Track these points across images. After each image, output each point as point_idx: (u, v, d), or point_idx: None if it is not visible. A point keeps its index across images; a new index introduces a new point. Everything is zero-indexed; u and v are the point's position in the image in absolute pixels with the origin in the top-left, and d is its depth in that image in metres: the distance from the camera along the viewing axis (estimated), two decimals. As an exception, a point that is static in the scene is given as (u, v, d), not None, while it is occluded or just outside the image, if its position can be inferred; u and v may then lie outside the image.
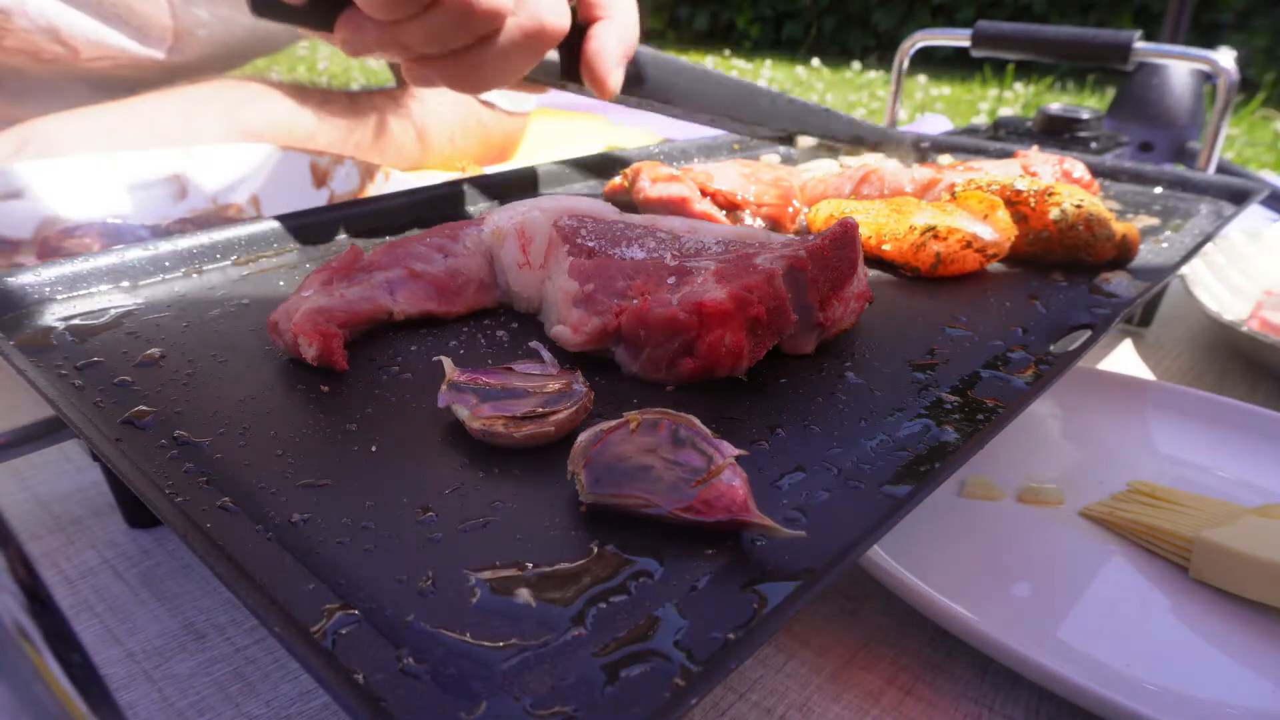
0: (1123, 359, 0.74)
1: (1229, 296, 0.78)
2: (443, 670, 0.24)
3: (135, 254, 0.52)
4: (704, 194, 0.66)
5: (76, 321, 0.47)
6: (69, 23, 0.91)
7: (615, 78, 0.54)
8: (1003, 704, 0.38)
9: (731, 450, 0.32)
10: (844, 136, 0.79)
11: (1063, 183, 0.63)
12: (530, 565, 0.29)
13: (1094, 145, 0.96)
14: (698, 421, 0.33)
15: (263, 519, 0.31)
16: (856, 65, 5.10)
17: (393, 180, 0.81)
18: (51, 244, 0.61)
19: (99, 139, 0.87)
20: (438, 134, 1.13)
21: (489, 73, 0.50)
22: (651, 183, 0.65)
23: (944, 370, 0.43)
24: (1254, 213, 1.06)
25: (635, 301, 0.42)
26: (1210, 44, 0.96)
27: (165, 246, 0.54)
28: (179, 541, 0.45)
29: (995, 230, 0.56)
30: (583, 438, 0.33)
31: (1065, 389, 0.60)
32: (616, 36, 0.53)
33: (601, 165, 0.79)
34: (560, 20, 0.50)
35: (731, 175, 0.67)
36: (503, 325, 0.48)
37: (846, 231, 0.44)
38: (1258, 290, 0.80)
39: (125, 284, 0.51)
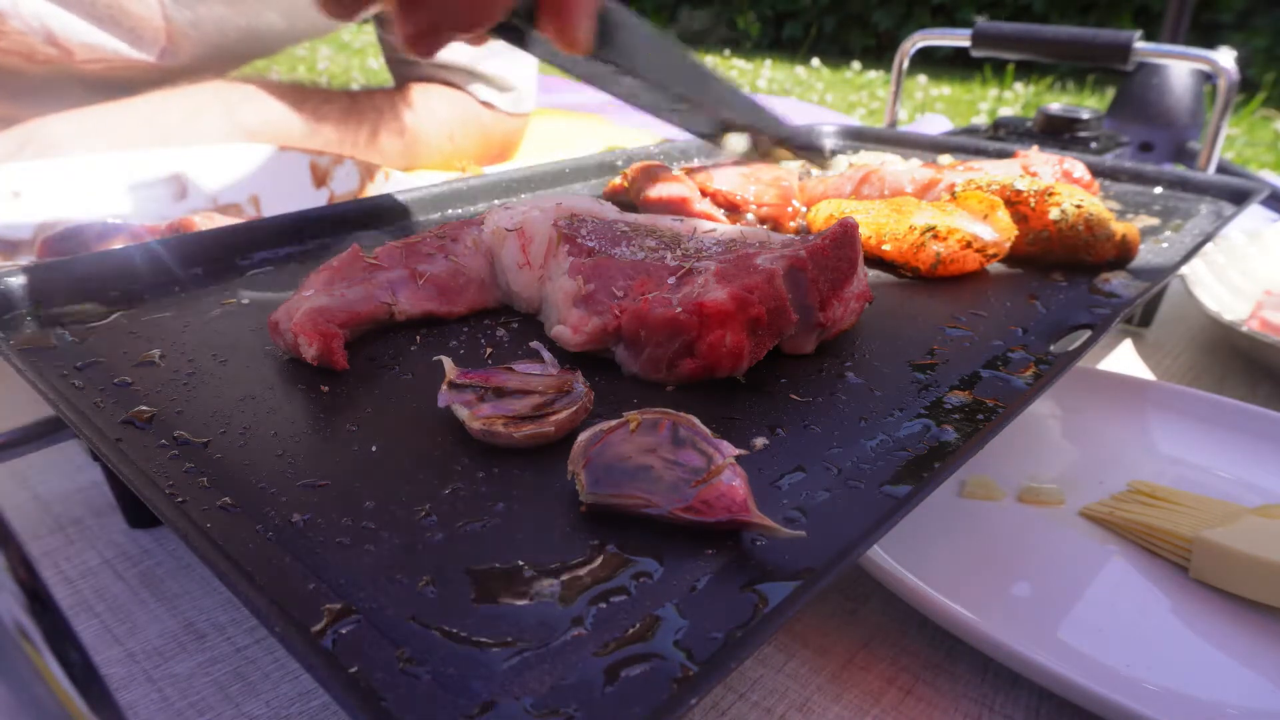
0: (1123, 359, 0.74)
1: (1229, 296, 0.78)
2: (443, 670, 0.24)
3: (135, 254, 0.52)
4: (704, 194, 0.66)
5: (76, 322, 0.47)
6: (62, 24, 0.91)
7: (585, 29, 0.48)
8: (1003, 704, 0.38)
9: (731, 450, 0.31)
10: (771, 135, 0.72)
11: (1063, 183, 0.63)
12: (530, 565, 0.29)
13: (1094, 145, 0.95)
14: (698, 421, 0.33)
15: (263, 519, 0.31)
16: (856, 65, 5.10)
17: (393, 180, 0.81)
18: (51, 244, 0.61)
19: (99, 139, 0.87)
20: (435, 134, 1.13)
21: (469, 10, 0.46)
22: (651, 183, 0.65)
23: (944, 370, 0.43)
24: (1254, 213, 1.06)
25: (635, 301, 0.42)
26: (1210, 44, 0.96)
27: (165, 247, 0.53)
28: (179, 541, 0.45)
29: (995, 230, 0.56)
30: (583, 438, 0.33)
31: (1065, 389, 0.60)
32: None
33: (601, 165, 0.79)
34: None
35: (731, 175, 0.68)
36: (503, 325, 0.48)
37: (846, 231, 0.44)
38: (1258, 290, 0.80)
39: (125, 284, 0.51)
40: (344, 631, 0.25)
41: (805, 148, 0.74)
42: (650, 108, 0.62)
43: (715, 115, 0.66)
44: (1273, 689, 0.37)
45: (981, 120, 1.21)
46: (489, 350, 0.45)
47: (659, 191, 0.64)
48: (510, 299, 0.50)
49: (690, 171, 0.68)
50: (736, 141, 0.75)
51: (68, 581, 0.44)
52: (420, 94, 1.13)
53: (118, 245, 0.54)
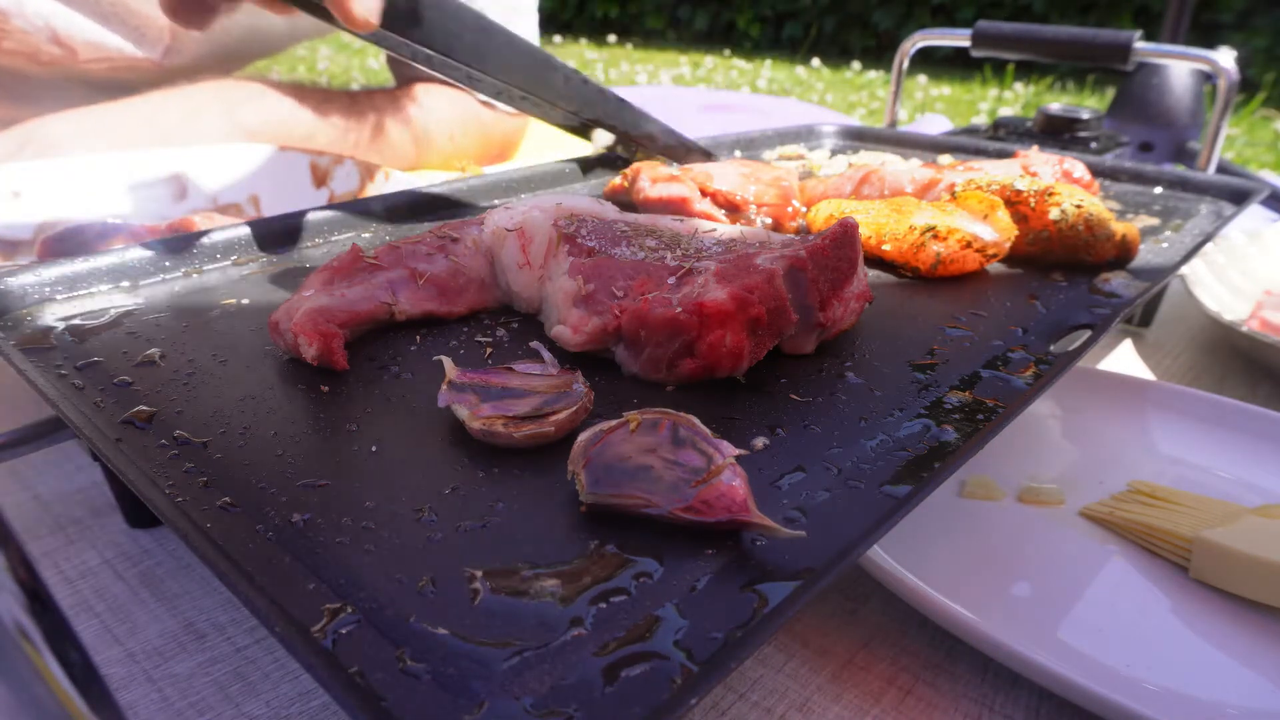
0: (1123, 359, 0.74)
1: (1229, 296, 0.78)
2: (443, 670, 0.24)
3: (135, 254, 0.52)
4: (704, 194, 0.66)
5: (76, 321, 0.47)
6: (66, 23, 0.91)
7: (362, 5, 0.48)
8: (1003, 704, 0.38)
9: (731, 450, 0.31)
10: (635, 132, 0.72)
11: (1063, 183, 0.63)
12: (530, 565, 0.29)
13: (1094, 145, 0.96)
14: (698, 421, 0.33)
15: (263, 519, 0.31)
16: (856, 65, 5.10)
17: (393, 180, 0.81)
18: (51, 244, 0.61)
19: (99, 139, 0.87)
20: (436, 134, 1.13)
21: None
22: (651, 183, 0.65)
23: (944, 370, 0.43)
24: (1254, 213, 1.06)
25: (635, 301, 0.42)
26: (1210, 44, 0.96)
27: (165, 246, 0.54)
28: (179, 541, 0.45)
29: (995, 230, 0.56)
30: (583, 438, 0.33)
31: (1065, 389, 0.60)
32: None
33: (601, 165, 0.79)
34: None
35: (731, 175, 0.67)
36: (503, 325, 0.48)
37: (846, 231, 0.44)
38: (1258, 290, 0.80)
39: (125, 284, 0.51)
40: (344, 631, 0.25)
41: (671, 150, 0.74)
42: (499, 97, 0.62)
43: (573, 111, 0.65)
44: (1273, 689, 0.37)
45: (981, 120, 1.21)
46: (489, 350, 0.45)
47: (659, 191, 0.64)
48: (510, 299, 0.50)
49: (690, 171, 0.68)
50: (602, 137, 0.75)
51: (68, 581, 0.44)
52: (421, 93, 1.13)
53: (118, 245, 0.54)
